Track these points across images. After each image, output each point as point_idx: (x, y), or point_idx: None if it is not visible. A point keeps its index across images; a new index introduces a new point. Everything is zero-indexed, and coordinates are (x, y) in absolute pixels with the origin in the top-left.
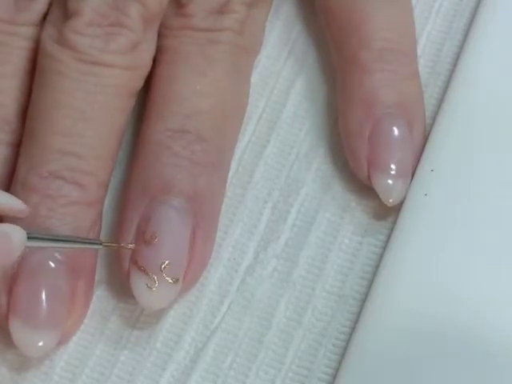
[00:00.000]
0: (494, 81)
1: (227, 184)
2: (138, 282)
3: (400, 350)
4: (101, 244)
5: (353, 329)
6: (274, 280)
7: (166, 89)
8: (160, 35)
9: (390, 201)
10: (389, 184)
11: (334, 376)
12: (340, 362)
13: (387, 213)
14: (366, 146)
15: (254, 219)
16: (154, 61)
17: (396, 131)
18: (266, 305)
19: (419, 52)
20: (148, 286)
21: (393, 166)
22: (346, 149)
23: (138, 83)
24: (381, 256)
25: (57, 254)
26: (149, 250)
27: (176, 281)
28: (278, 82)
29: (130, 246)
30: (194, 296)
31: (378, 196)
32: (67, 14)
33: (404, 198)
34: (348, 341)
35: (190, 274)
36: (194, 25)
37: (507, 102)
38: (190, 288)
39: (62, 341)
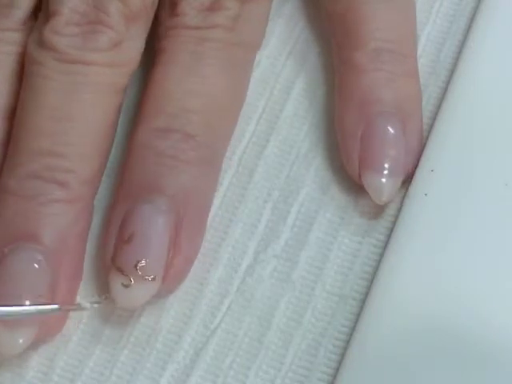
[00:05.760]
0: (493, 81)
1: (227, 184)
2: (115, 282)
3: (400, 350)
4: (59, 309)
5: (353, 329)
6: (274, 280)
7: (156, 88)
8: (155, 36)
9: (382, 199)
10: (379, 183)
11: (334, 376)
12: (340, 362)
13: (387, 213)
14: (358, 145)
15: (254, 219)
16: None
17: (388, 130)
18: (266, 305)
19: (419, 52)
20: (123, 285)
21: (384, 165)
22: (340, 148)
23: (123, 80)
24: (381, 256)
25: (37, 254)
26: (125, 249)
27: (153, 279)
28: (278, 82)
29: (85, 305)
30: (193, 296)
31: None
32: (48, 16)
33: (404, 198)
34: (348, 341)
35: (173, 271)
36: (185, 23)
37: (507, 101)
38: (176, 285)
39: (49, 334)
